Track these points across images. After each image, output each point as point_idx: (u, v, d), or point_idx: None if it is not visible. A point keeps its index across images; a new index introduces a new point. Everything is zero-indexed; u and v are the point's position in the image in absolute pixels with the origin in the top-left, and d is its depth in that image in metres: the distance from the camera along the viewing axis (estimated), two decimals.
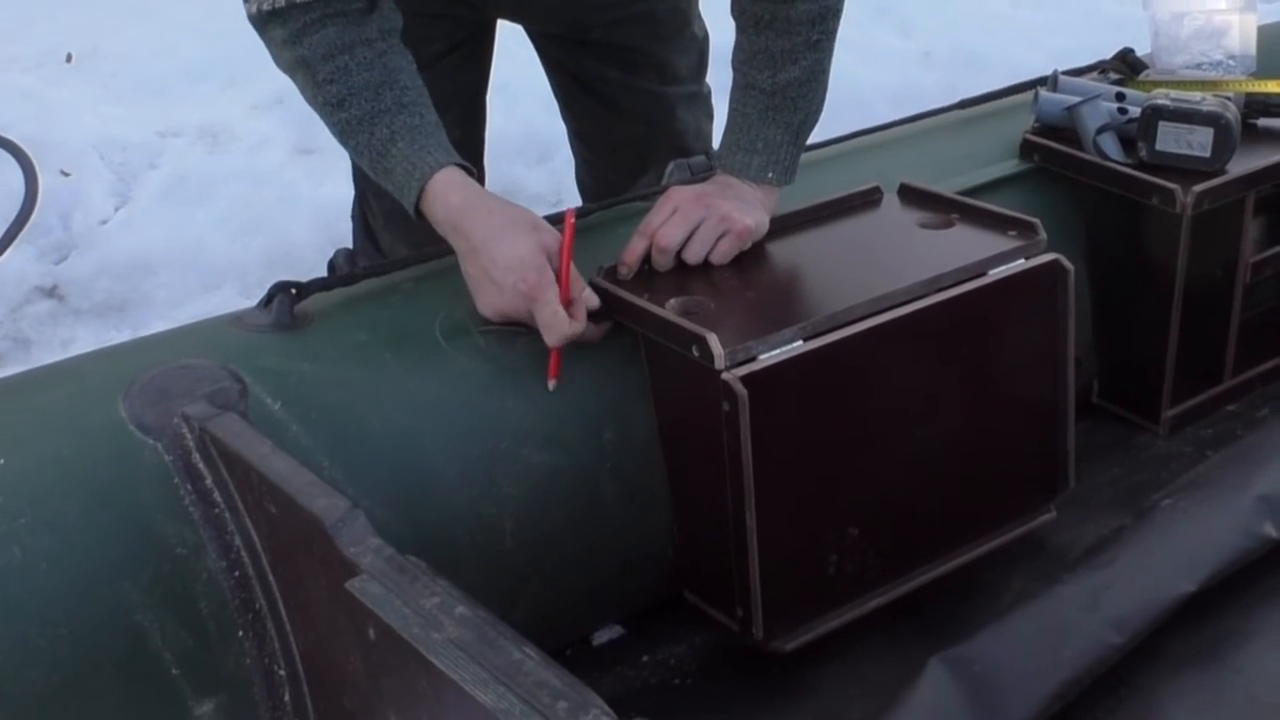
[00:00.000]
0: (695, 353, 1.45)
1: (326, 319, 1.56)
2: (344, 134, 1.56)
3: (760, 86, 1.67)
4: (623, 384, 1.59)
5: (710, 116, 2.20)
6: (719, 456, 1.47)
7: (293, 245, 3.35)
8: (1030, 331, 1.67)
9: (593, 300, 1.54)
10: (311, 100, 1.57)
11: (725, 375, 1.43)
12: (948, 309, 1.57)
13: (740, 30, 1.68)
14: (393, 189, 1.57)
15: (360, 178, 2.22)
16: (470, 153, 2.12)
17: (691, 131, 2.15)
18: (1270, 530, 1.57)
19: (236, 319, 1.58)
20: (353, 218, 2.34)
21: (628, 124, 2.11)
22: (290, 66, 1.57)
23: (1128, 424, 2.00)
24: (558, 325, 1.49)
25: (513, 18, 2.04)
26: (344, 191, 2.39)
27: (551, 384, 1.53)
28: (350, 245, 2.43)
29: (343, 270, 1.98)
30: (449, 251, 1.61)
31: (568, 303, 1.51)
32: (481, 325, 1.56)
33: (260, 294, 1.58)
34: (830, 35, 1.68)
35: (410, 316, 1.57)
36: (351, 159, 1.63)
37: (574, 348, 1.54)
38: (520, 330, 1.55)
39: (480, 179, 2.16)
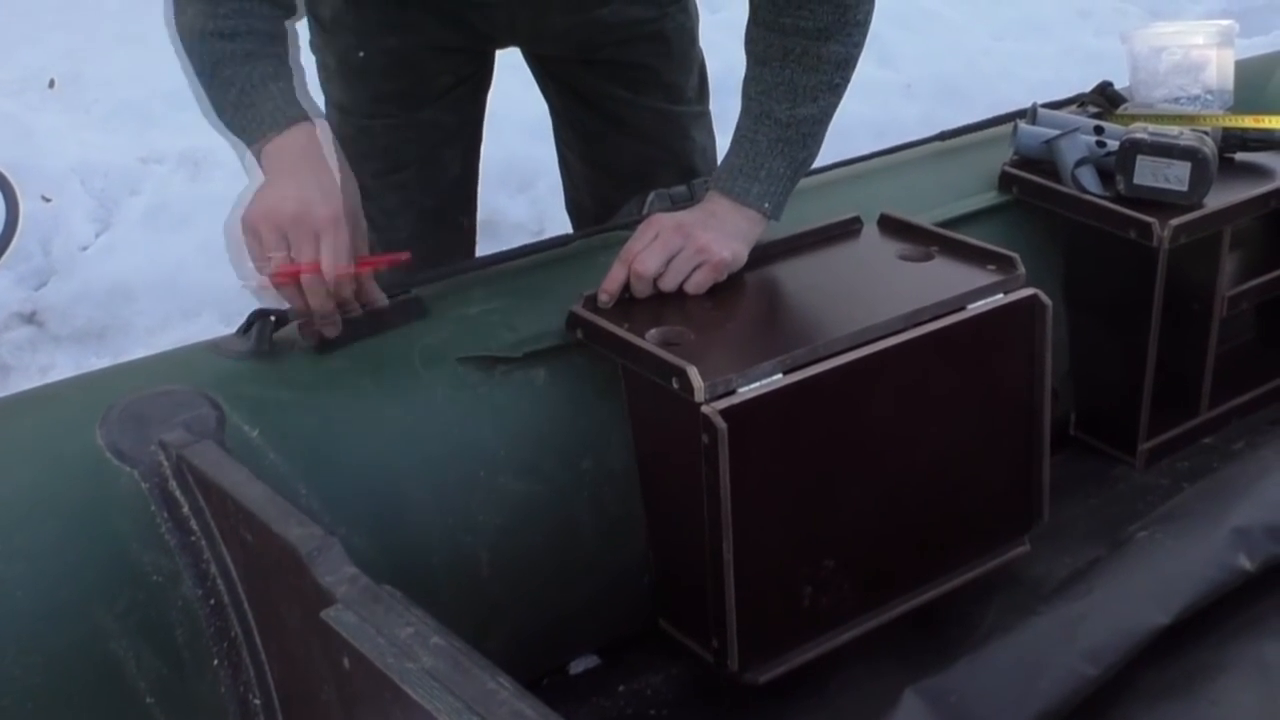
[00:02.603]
0: (675, 385, 1.45)
1: (305, 346, 1.56)
2: (221, 63, 1.61)
3: (777, 117, 1.68)
4: (601, 413, 1.59)
5: (713, 139, 2.21)
6: (697, 488, 1.47)
7: None
8: (1007, 365, 1.68)
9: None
10: (196, 28, 1.61)
11: (705, 408, 1.43)
12: (927, 343, 1.58)
13: (762, 62, 1.69)
14: (250, 120, 1.60)
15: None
16: (468, 185, 2.12)
17: (699, 150, 2.15)
18: (1244, 563, 1.57)
19: (215, 346, 1.57)
20: None
21: (634, 142, 2.11)
22: None
23: (1105, 456, 2.01)
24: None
25: (523, 45, 2.05)
26: None
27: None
28: None
29: None
30: (427, 280, 1.61)
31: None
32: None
33: (240, 320, 1.58)
34: (847, 83, 1.70)
35: (388, 344, 1.57)
36: (207, 93, 1.66)
37: (557, 376, 1.57)
38: (498, 358, 1.55)
39: (474, 211, 2.17)
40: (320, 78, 2.00)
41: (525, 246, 1.76)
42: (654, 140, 2.10)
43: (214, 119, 1.68)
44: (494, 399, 1.54)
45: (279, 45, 1.65)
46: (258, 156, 1.60)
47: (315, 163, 1.58)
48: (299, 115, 1.60)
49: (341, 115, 2.00)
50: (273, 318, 1.56)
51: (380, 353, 1.56)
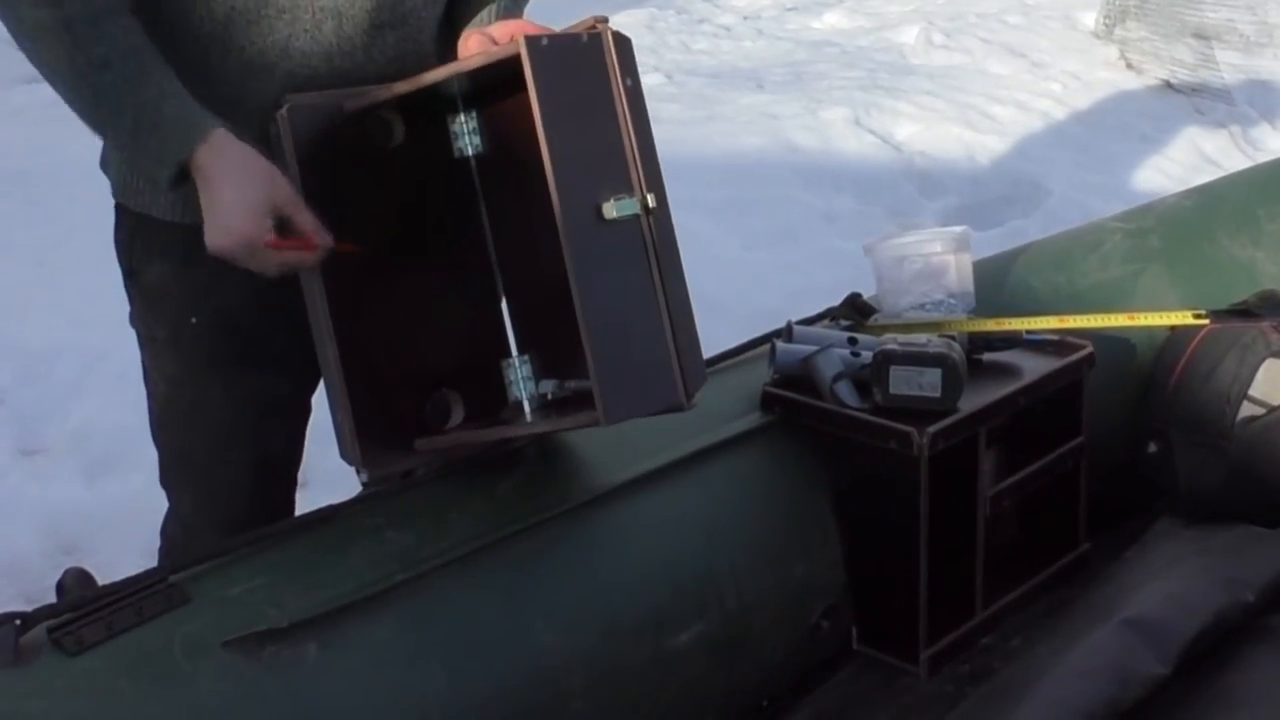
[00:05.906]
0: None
1: (57, 646, 1.47)
2: (102, 95, 1.61)
3: None
4: (377, 692, 1.53)
5: None
6: None
7: (18, 555, 3.06)
8: None
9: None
10: (64, 62, 1.59)
11: None
12: None
13: None
14: (156, 145, 1.61)
15: (178, 482, 2.02)
16: (295, 460, 2.04)
17: None
18: None
19: None
20: (163, 534, 2.09)
21: None
22: (39, 28, 1.58)
23: (889, 668, 2.00)
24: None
25: None
26: (71, 493, 2.23)
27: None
28: (78, 562, 2.26)
29: (74, 592, 1.80)
30: (186, 565, 1.56)
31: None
32: None
33: None
34: None
35: (147, 637, 1.48)
36: (96, 126, 1.65)
37: (330, 651, 1.51)
38: (265, 636, 1.49)
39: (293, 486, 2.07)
40: (145, 354, 1.91)
41: (286, 522, 1.71)
42: None
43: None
44: (262, 685, 1.47)
45: (148, 54, 1.63)
46: (182, 171, 1.61)
47: (254, 156, 1.63)
48: (213, 122, 1.62)
49: (174, 388, 1.91)
50: (18, 621, 1.47)
51: (138, 647, 1.47)
